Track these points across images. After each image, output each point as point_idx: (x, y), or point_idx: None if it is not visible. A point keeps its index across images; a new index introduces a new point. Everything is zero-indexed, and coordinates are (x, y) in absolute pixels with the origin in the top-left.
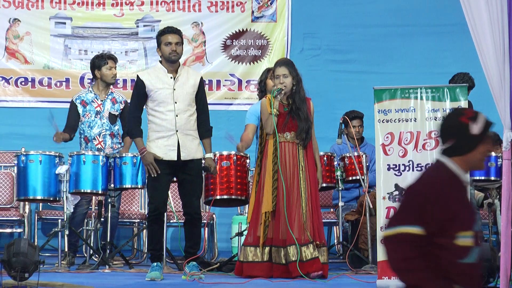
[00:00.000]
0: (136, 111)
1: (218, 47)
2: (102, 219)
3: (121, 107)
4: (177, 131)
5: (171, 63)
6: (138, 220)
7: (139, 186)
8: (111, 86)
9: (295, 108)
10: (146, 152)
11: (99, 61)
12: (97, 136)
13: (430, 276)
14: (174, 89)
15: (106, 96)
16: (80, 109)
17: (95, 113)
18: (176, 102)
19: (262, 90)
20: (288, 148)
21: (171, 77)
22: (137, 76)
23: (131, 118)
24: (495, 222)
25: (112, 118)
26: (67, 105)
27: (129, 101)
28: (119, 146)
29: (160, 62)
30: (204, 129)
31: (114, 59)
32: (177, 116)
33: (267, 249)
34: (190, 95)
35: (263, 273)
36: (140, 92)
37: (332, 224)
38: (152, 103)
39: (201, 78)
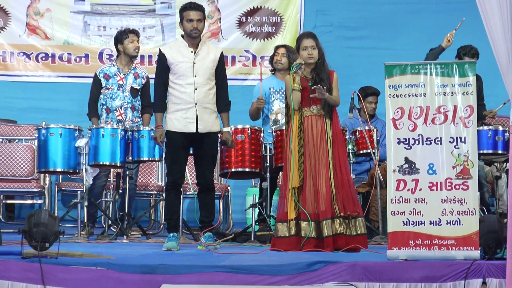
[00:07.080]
0: (160, 86)
1: (233, 24)
2: (120, 191)
3: (143, 82)
4: (195, 104)
5: (192, 38)
6: (155, 192)
7: (156, 159)
8: (135, 62)
9: (318, 80)
10: (159, 129)
11: (121, 36)
12: (119, 107)
13: None
14: (194, 63)
15: (129, 71)
16: (103, 82)
17: (118, 86)
18: (195, 76)
19: (272, 69)
20: (315, 121)
21: (192, 51)
22: (159, 50)
23: (155, 93)
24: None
25: (134, 92)
26: (86, 80)
27: (151, 76)
28: (139, 120)
29: (182, 36)
30: (222, 104)
31: (136, 33)
32: (196, 89)
33: (293, 223)
34: (209, 70)
35: (290, 247)
36: (162, 65)
37: None
38: (172, 76)
39: (222, 53)
